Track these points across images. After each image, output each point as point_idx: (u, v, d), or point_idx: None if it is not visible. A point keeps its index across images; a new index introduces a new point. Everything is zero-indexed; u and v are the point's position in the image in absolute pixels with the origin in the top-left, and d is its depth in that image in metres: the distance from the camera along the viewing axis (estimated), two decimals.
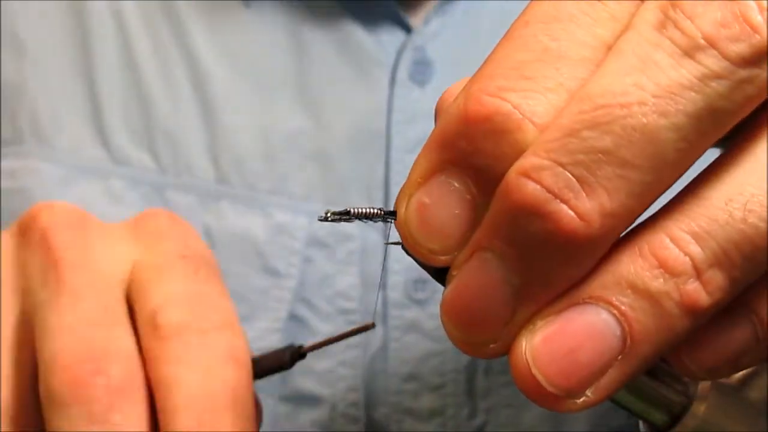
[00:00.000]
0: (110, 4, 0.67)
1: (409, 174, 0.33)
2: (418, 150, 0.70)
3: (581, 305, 0.31)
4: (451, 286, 0.32)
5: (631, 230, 0.31)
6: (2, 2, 0.68)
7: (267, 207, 0.66)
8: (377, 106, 0.66)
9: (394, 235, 0.33)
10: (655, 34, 0.29)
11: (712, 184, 0.30)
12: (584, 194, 0.29)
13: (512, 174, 0.29)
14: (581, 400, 0.31)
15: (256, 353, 0.68)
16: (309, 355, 0.67)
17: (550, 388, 0.31)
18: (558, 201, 0.29)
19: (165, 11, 0.67)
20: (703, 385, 0.34)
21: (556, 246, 0.29)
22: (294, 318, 0.66)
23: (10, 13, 0.68)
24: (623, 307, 0.30)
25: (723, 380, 0.34)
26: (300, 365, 0.66)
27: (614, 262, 0.31)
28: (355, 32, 0.66)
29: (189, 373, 0.43)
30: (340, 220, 0.34)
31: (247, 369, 0.45)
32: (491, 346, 0.32)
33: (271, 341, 0.66)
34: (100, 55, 0.67)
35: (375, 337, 0.66)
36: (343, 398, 0.66)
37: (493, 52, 0.31)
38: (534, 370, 0.31)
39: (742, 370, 0.33)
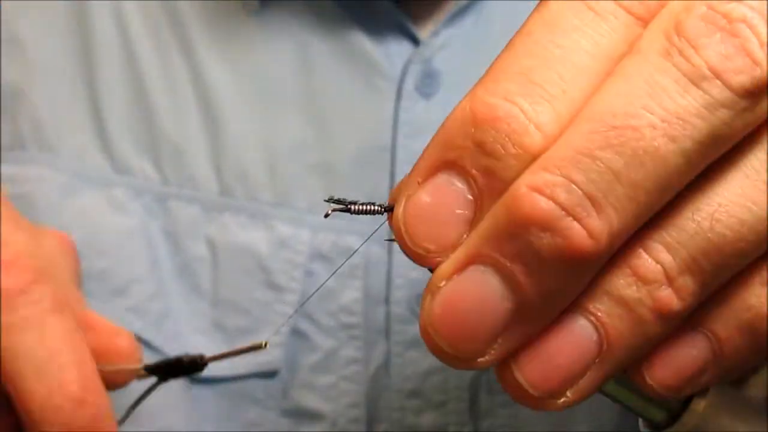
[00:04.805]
0: (114, 12, 0.67)
1: (409, 174, 0.33)
2: None
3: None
4: (440, 298, 0.31)
5: None
6: (2, 4, 0.68)
7: (270, 219, 0.66)
8: (383, 119, 0.66)
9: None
10: (661, 61, 0.30)
11: (683, 196, 0.31)
12: (595, 213, 0.29)
13: (522, 188, 0.30)
14: (561, 400, 0.32)
15: (253, 366, 0.68)
16: (311, 370, 0.66)
17: (532, 391, 0.32)
18: (571, 218, 0.29)
19: (170, 21, 0.67)
20: None
21: (562, 263, 0.30)
22: (296, 333, 0.66)
23: (11, 15, 0.67)
24: (600, 314, 0.31)
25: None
26: (302, 380, 0.66)
27: None
28: (363, 43, 0.66)
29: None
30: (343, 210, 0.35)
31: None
32: (479, 360, 0.32)
33: (274, 355, 0.65)
34: (102, 63, 0.67)
35: (377, 352, 0.66)
36: (345, 414, 0.66)
37: (497, 60, 0.32)
38: (517, 375, 0.32)
39: (701, 387, 0.34)
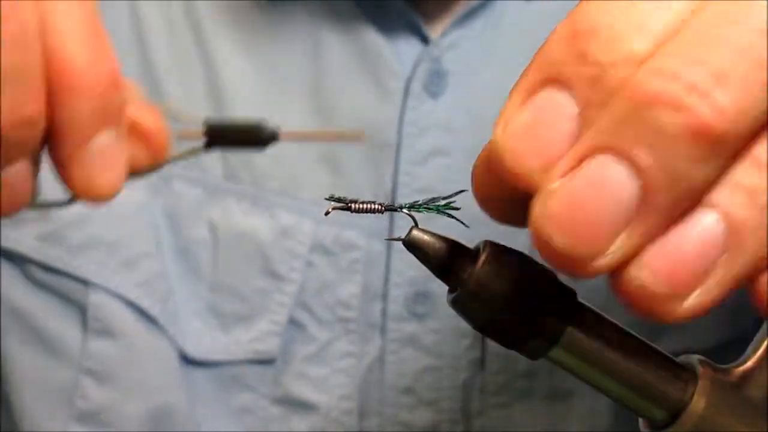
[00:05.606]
0: (130, 3, 0.67)
1: (507, 101, 0.32)
2: (427, 163, 0.70)
3: None
4: (556, 195, 0.30)
5: None
6: None
7: (273, 207, 0.66)
8: (389, 116, 0.67)
9: (396, 233, 0.33)
10: None
11: None
12: (722, 89, 0.28)
13: (643, 73, 0.29)
14: (687, 303, 0.30)
15: (251, 353, 0.68)
16: (305, 361, 0.67)
17: (656, 288, 0.30)
18: (695, 95, 0.28)
19: (185, 12, 0.67)
20: (703, 383, 0.34)
21: (690, 142, 0.28)
22: (293, 322, 0.66)
23: None
24: (724, 203, 0.30)
25: (722, 378, 0.34)
26: (295, 370, 0.66)
27: None
28: (374, 41, 0.67)
29: None
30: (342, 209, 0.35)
31: None
32: (597, 262, 0.30)
33: (271, 344, 0.66)
34: (116, 49, 0.67)
35: (372, 347, 0.67)
36: (337, 406, 0.66)
37: None
38: (640, 272, 0.30)
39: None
